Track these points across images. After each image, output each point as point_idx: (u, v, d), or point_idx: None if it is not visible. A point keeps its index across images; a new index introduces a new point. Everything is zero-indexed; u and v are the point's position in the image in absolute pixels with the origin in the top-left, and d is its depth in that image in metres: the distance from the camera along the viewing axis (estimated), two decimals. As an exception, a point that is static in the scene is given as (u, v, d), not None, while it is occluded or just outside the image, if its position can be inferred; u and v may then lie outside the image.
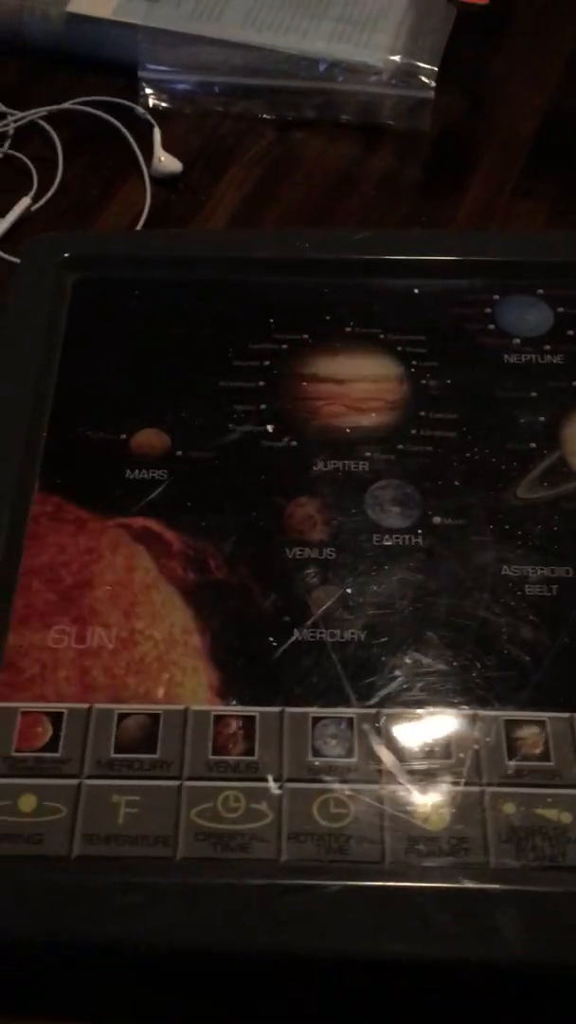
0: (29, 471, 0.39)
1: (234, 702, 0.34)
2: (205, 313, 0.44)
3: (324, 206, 0.54)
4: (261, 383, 0.41)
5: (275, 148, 0.56)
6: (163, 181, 0.54)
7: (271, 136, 0.57)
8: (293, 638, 0.35)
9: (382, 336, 0.43)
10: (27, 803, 0.32)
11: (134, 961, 0.30)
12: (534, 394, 0.41)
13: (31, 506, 0.38)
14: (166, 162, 0.54)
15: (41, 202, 0.53)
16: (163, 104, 0.57)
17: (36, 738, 0.33)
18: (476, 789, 0.32)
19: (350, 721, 0.33)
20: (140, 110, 0.56)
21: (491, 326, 0.43)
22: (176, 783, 0.32)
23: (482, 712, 0.33)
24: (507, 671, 0.34)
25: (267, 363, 0.42)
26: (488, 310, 0.44)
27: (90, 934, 0.30)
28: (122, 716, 0.33)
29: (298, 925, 0.30)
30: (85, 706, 0.34)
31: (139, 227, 0.52)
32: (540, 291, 0.44)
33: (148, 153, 0.55)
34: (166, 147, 0.55)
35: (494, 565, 0.37)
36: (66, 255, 0.44)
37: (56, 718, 0.33)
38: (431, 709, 0.33)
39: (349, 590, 0.36)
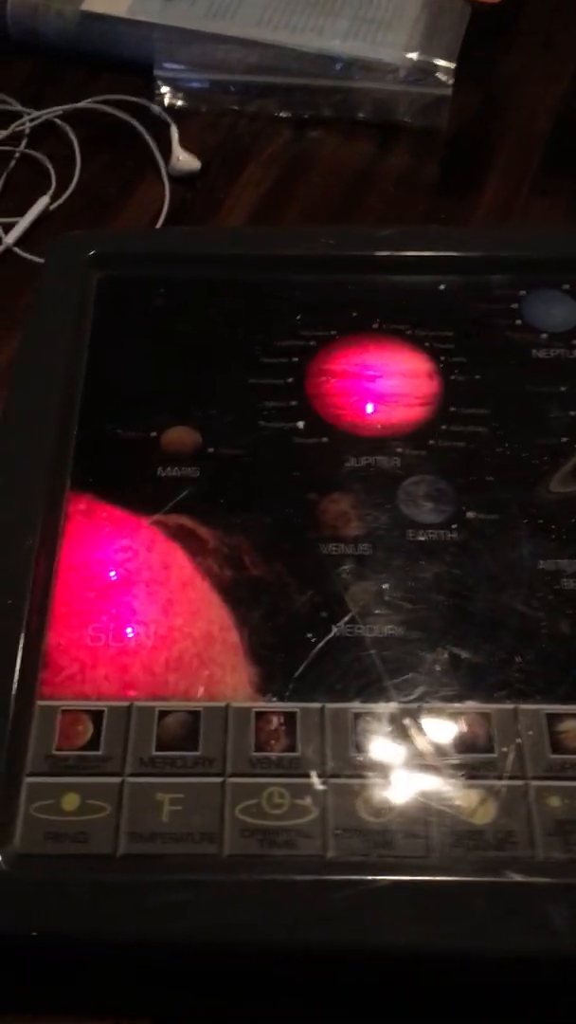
0: (61, 470, 0.39)
1: (274, 699, 0.34)
2: (231, 310, 0.44)
3: (342, 204, 0.54)
4: (290, 380, 0.41)
5: (292, 146, 0.56)
6: (181, 180, 0.54)
7: (288, 134, 0.57)
8: (331, 634, 0.35)
9: (409, 332, 0.43)
10: (70, 802, 0.32)
11: (181, 959, 0.30)
12: (563, 389, 0.41)
13: (65, 505, 0.38)
14: (184, 160, 0.54)
15: (59, 201, 0.53)
16: (179, 103, 0.57)
17: (77, 736, 0.33)
18: (520, 783, 0.32)
19: (391, 716, 0.33)
20: (156, 109, 0.56)
21: (518, 322, 0.43)
22: (219, 780, 0.32)
23: (523, 706, 0.33)
24: (546, 665, 0.34)
25: (295, 359, 0.42)
26: (514, 306, 0.44)
27: (137, 932, 0.30)
28: (163, 713, 0.33)
29: (345, 921, 0.30)
30: (125, 704, 0.33)
31: (159, 226, 0.52)
32: (566, 287, 0.44)
33: (165, 152, 0.55)
34: (183, 146, 0.55)
35: (529, 559, 0.37)
36: (91, 253, 0.44)
37: (97, 716, 0.33)
38: (472, 704, 0.33)
39: (386, 585, 0.36)
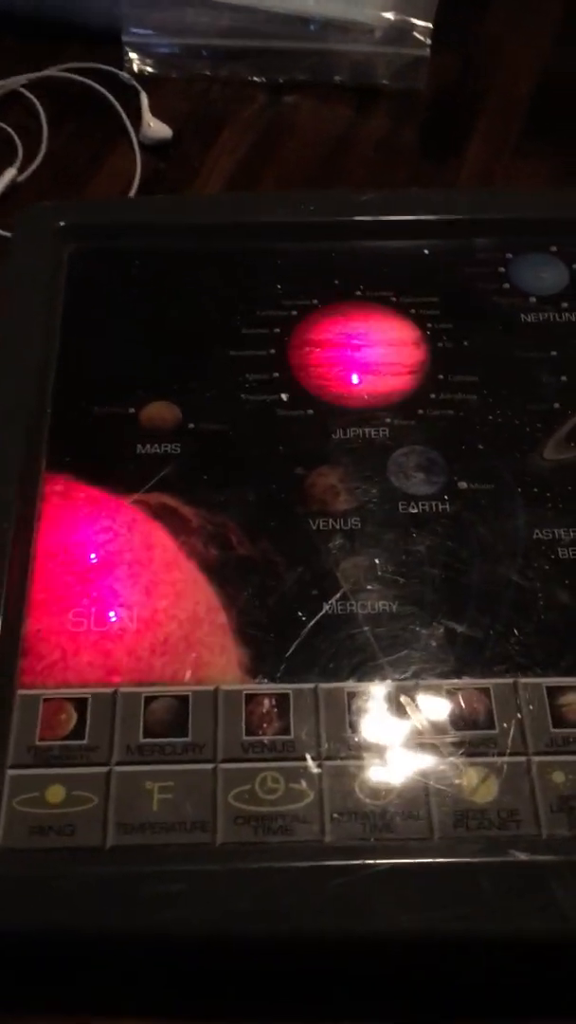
0: (36, 450, 0.37)
1: (265, 680, 0.32)
2: (209, 280, 0.42)
3: (321, 170, 0.52)
4: (272, 351, 0.40)
5: (267, 112, 0.55)
6: (153, 148, 0.52)
7: (262, 99, 0.55)
8: (323, 612, 0.34)
9: (394, 299, 0.42)
10: (55, 794, 0.30)
11: (175, 953, 0.29)
12: (554, 353, 0.40)
13: (40, 486, 0.36)
14: (155, 128, 0.52)
15: (27, 173, 0.51)
16: (148, 69, 0.55)
17: (60, 726, 0.31)
18: (522, 759, 0.31)
19: (387, 695, 0.32)
20: (125, 76, 0.54)
21: (506, 285, 0.42)
22: (211, 766, 0.31)
23: (523, 680, 0.32)
24: (545, 637, 0.33)
25: (277, 330, 0.41)
26: (502, 269, 0.42)
27: (129, 926, 0.29)
28: (149, 699, 0.32)
29: (347, 907, 0.28)
30: (110, 690, 0.32)
31: (132, 196, 0.50)
32: (553, 248, 0.43)
33: (136, 120, 0.53)
34: (154, 113, 0.53)
35: (525, 529, 0.35)
36: (61, 225, 0.43)
37: (80, 704, 0.32)
38: (469, 679, 0.32)
39: (377, 560, 0.35)
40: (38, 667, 0.33)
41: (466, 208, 0.44)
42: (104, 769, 0.31)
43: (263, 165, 0.52)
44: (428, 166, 0.52)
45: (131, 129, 0.53)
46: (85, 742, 0.31)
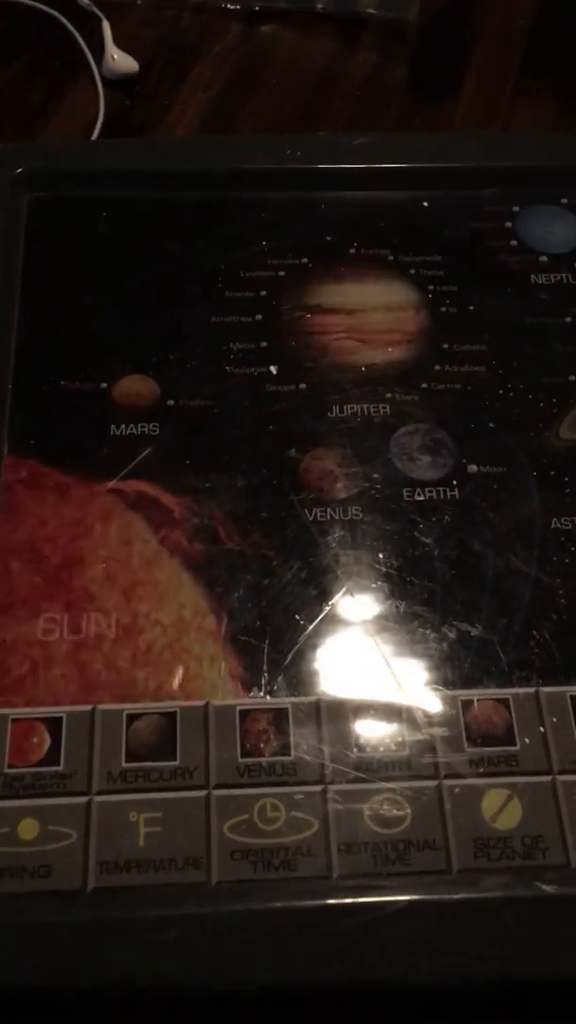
0: (-4, 431, 0.33)
1: (261, 693, 0.29)
2: (187, 236, 0.38)
3: (304, 110, 0.48)
4: (258, 317, 0.36)
5: (242, 43, 0.50)
6: (117, 83, 0.48)
7: (237, 29, 0.50)
8: (322, 614, 0.30)
9: (391, 257, 0.38)
10: (28, 829, 0.27)
11: (168, 1010, 0.26)
12: (568, 319, 0.36)
13: (1, 473, 0.32)
14: (119, 61, 0.47)
15: (-23, 111, 0.46)
16: (111, -7, 0.50)
17: (32, 750, 0.28)
18: (546, 779, 0.28)
19: (396, 707, 0.29)
20: (85, 1, 0.49)
21: (513, 243, 0.38)
22: (203, 793, 0.28)
23: (545, 689, 0.29)
24: (569, 639, 0.30)
25: (263, 293, 0.36)
26: (508, 224, 0.38)
27: (114, 980, 0.25)
28: (132, 717, 0.29)
29: (360, 951, 0.26)
30: (87, 708, 0.29)
31: (95, 137, 0.45)
32: (564, 200, 0.39)
33: (97, 51, 0.48)
34: (118, 44, 0.48)
35: (541, 517, 0.32)
36: (19, 171, 0.38)
37: (54, 724, 0.28)
38: (487, 689, 0.29)
39: (381, 554, 0.31)
40: (4, 682, 0.29)
41: (468, 154, 0.40)
42: (83, 799, 0.27)
43: (239, 103, 0.48)
44: (422, 105, 0.48)
45: (92, 62, 0.48)
46: (60, 768, 0.28)
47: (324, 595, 0.31)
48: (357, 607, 0.31)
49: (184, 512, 0.32)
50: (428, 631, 0.30)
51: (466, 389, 0.35)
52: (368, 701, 0.29)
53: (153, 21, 0.50)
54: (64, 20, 0.48)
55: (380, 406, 0.34)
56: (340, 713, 0.29)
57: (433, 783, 0.28)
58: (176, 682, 0.29)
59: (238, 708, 0.29)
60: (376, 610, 0.30)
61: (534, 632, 0.30)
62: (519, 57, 0.49)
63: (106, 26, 0.48)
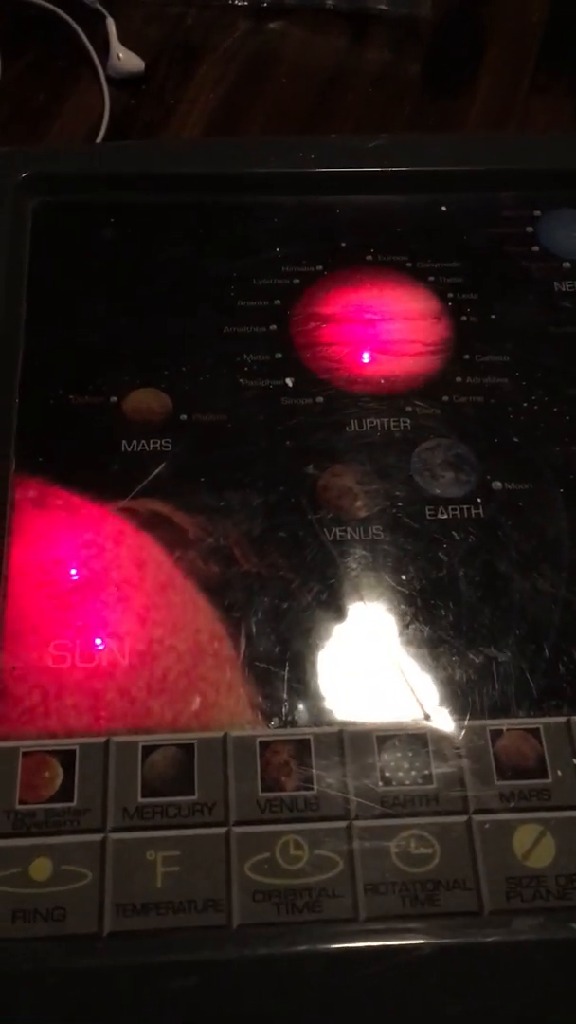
0: (2, 449, 0.32)
1: (281, 722, 0.28)
2: (196, 242, 0.36)
3: (314, 109, 0.46)
4: (273, 327, 0.35)
5: (250, 40, 0.48)
6: (122, 82, 0.46)
7: (244, 26, 0.49)
8: (344, 639, 0.29)
9: (409, 264, 0.36)
10: (41, 869, 0.26)
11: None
12: (593, 328, 0.35)
13: (9, 493, 0.31)
14: (125, 59, 0.46)
15: (-22, 112, 0.45)
16: (115, -10, 0.48)
17: (44, 785, 0.27)
18: (580, 813, 0.27)
19: (423, 738, 0.28)
20: (88, -2, 0.48)
21: (535, 248, 0.37)
22: (222, 830, 0.26)
23: (577, 718, 0.28)
24: (600, 665, 0.29)
25: (277, 302, 0.35)
26: (529, 229, 0.37)
27: (134, 1027, 0.24)
28: (148, 749, 0.27)
29: (388, 998, 0.25)
30: (101, 739, 0.27)
31: (100, 138, 0.44)
32: (587, 204, 0.38)
33: (102, 51, 0.46)
34: (123, 42, 0.47)
35: (570, 536, 0.31)
36: (24, 176, 0.36)
37: (67, 757, 0.27)
38: (517, 718, 0.28)
39: (403, 576, 0.30)
40: (14, 713, 0.28)
41: (488, 157, 0.38)
42: (98, 837, 0.26)
43: (247, 102, 0.46)
44: (435, 104, 0.46)
45: (97, 60, 0.46)
46: (74, 804, 0.27)
47: (345, 619, 0.29)
48: (379, 631, 0.29)
49: (199, 532, 0.31)
50: (454, 657, 0.29)
51: (489, 402, 0.34)
52: (393, 731, 0.28)
53: (159, 18, 0.48)
54: (68, 18, 0.47)
55: (400, 420, 0.33)
56: (364, 744, 0.28)
57: (462, 819, 0.27)
58: (193, 711, 0.28)
59: (258, 739, 0.28)
60: (399, 635, 0.29)
61: (564, 658, 0.29)
62: (534, 53, 0.48)
63: (111, 24, 0.47)
